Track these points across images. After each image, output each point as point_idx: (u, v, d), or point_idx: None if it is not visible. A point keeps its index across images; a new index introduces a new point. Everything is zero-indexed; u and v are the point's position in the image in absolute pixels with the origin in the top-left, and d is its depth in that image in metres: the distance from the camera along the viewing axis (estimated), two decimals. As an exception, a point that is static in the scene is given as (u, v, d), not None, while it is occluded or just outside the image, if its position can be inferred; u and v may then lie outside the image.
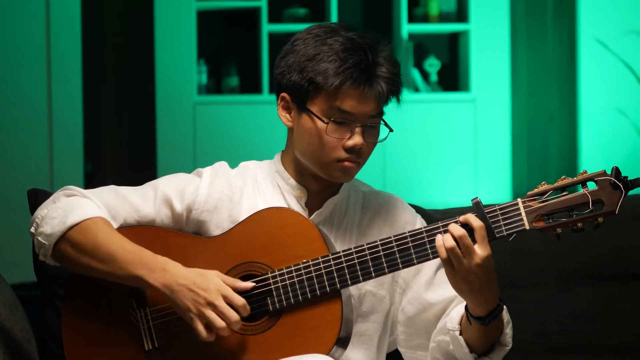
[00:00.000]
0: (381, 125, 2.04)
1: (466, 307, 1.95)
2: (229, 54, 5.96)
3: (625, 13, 6.10)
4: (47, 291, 2.29)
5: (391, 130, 2.03)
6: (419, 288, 2.08)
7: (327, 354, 1.91)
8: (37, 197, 2.21)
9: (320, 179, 2.05)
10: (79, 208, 1.98)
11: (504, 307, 1.98)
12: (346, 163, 1.99)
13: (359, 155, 2.00)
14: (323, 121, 1.98)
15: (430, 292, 2.06)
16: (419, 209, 2.31)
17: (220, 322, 1.88)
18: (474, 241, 1.87)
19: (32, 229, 2.00)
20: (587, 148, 6.14)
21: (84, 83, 5.47)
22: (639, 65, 5.99)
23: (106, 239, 1.94)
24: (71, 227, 1.96)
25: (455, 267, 1.87)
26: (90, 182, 5.60)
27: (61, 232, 1.96)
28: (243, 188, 2.09)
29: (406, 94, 5.90)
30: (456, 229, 1.87)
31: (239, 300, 1.90)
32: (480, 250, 1.86)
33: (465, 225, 1.87)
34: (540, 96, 6.27)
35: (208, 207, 2.05)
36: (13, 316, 2.17)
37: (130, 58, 5.91)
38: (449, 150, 6.03)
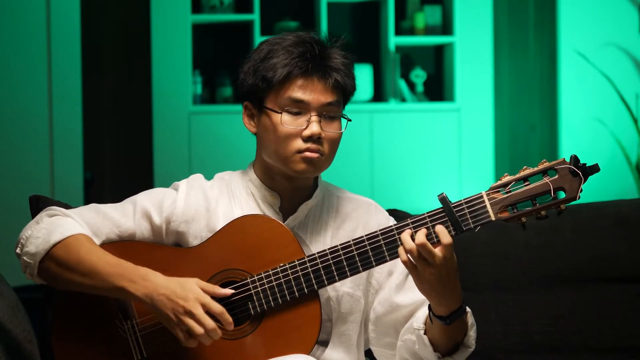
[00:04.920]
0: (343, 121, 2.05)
1: (430, 306, 1.96)
2: (223, 65, 5.97)
3: (604, 26, 6.12)
4: (48, 293, 2.28)
5: (349, 120, 2.05)
6: (390, 290, 2.09)
7: (309, 353, 1.94)
8: (39, 203, 2.24)
9: (291, 179, 2.06)
10: (62, 226, 1.99)
11: (468, 310, 1.99)
12: (306, 153, 2.00)
13: (319, 145, 2.00)
14: (277, 112, 2.00)
15: (400, 295, 2.08)
16: (405, 214, 2.35)
17: (198, 329, 1.89)
18: (437, 242, 1.87)
19: (18, 250, 2.02)
20: (567, 156, 6.07)
21: (84, 93, 5.48)
22: (618, 76, 6.02)
23: (89, 254, 1.96)
24: (54, 245, 1.97)
25: (419, 268, 1.88)
26: (90, 188, 5.58)
27: (45, 251, 1.97)
28: (219, 198, 2.10)
29: (393, 104, 6.09)
30: (419, 236, 1.86)
31: (217, 307, 1.91)
32: (441, 253, 1.86)
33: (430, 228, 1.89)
34: (522, 106, 6.28)
35: (186, 218, 2.07)
36: (15, 318, 2.18)
37: (128, 69, 5.89)
38: (435, 158, 6.03)
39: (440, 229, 1.88)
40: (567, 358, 2.43)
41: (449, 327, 1.95)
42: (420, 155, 6.01)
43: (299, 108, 2.01)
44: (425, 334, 2.02)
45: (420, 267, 1.88)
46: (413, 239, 1.88)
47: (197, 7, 5.86)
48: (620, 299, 2.47)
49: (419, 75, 6.14)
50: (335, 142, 2.04)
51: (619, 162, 6.03)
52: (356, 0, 6.19)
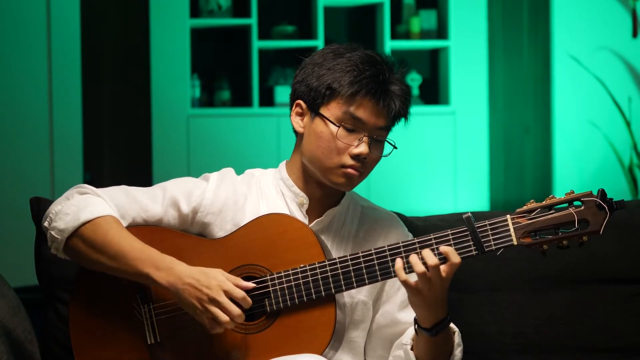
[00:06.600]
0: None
1: (415, 319, 1.98)
2: (221, 69, 5.98)
3: (597, 30, 6.15)
4: (49, 294, 2.30)
5: (395, 148, 2.07)
6: (395, 305, 2.11)
7: (321, 354, 1.95)
8: (39, 205, 2.24)
9: (324, 187, 2.08)
10: (91, 206, 2.00)
11: (456, 329, 2.03)
12: (349, 170, 2.02)
13: (362, 165, 2.02)
14: (335, 125, 2.00)
15: (402, 313, 2.10)
16: (401, 216, 2.34)
17: (223, 317, 1.90)
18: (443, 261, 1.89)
19: (46, 224, 2.02)
20: (560, 159, 6.15)
21: (84, 96, 5.50)
22: (611, 79, 6.05)
23: (116, 237, 1.96)
24: (83, 224, 1.97)
25: (419, 287, 1.90)
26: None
27: (74, 228, 1.98)
28: (247, 194, 2.11)
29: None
30: (431, 259, 1.89)
31: (239, 293, 1.92)
32: (445, 273, 1.89)
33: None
34: (517, 109, 6.29)
35: (213, 210, 2.07)
36: (16, 318, 2.19)
37: (127, 73, 5.88)
38: (430, 160, 6.06)
39: (447, 249, 1.90)
40: (561, 358, 2.43)
41: (434, 340, 1.98)
42: (416, 157, 6.03)
43: (355, 126, 2.01)
44: (412, 349, 2.04)
45: (421, 286, 1.91)
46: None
47: (195, 12, 5.87)
48: (614, 300, 2.47)
49: (414, 79, 6.15)
50: (374, 164, 2.07)
51: (611, 164, 6.05)
52: (352, 4, 6.22)
